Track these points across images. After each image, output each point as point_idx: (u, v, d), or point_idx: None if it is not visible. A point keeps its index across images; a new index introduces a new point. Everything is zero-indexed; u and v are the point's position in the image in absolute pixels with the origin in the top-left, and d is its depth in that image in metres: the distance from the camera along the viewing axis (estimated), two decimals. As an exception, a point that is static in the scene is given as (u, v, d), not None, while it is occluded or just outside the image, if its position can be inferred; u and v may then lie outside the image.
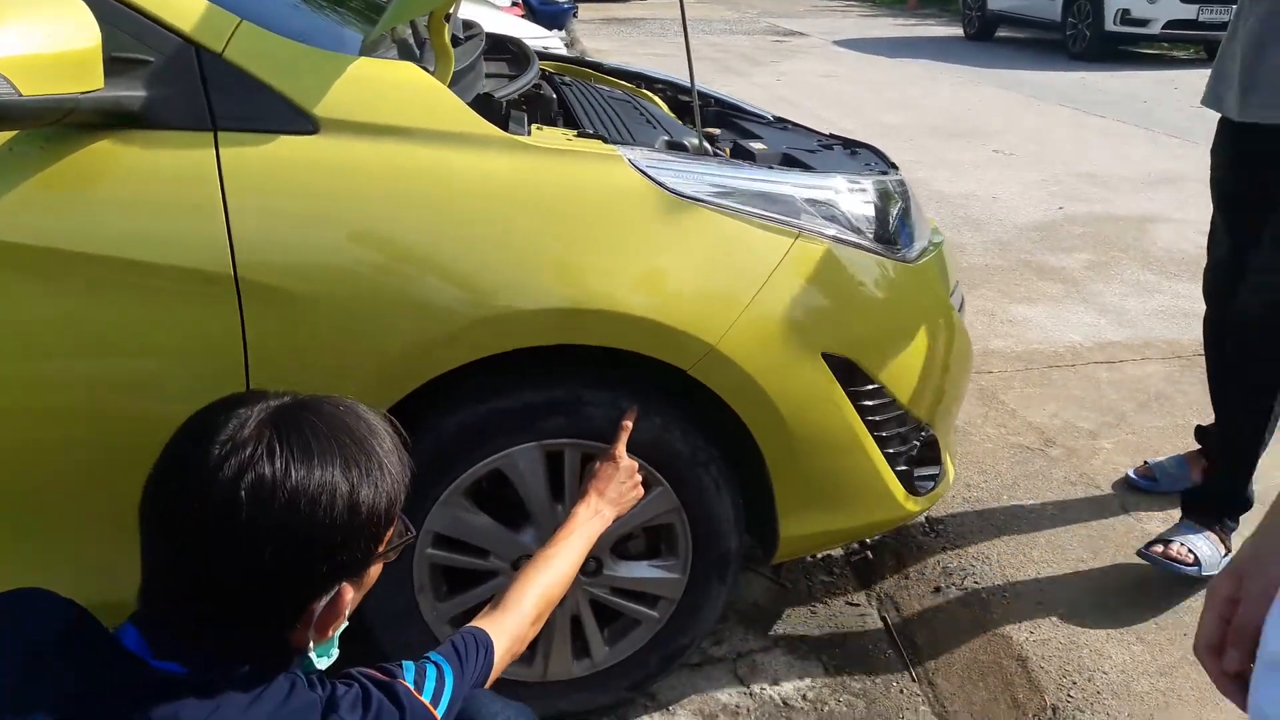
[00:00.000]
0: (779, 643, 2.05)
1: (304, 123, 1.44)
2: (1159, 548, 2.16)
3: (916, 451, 1.90)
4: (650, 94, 2.76)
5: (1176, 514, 2.41)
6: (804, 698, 1.90)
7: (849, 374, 1.73)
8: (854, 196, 1.76)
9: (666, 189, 1.59)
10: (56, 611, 0.85)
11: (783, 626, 2.11)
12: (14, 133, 1.37)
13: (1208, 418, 2.40)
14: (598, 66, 2.95)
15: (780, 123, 2.58)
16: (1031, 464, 2.71)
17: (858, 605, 2.17)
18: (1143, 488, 2.56)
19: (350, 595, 0.94)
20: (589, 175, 1.57)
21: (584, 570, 1.72)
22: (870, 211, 1.77)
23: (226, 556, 0.83)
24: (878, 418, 1.79)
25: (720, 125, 2.52)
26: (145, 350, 1.43)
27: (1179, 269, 4.42)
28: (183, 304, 1.41)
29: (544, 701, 1.80)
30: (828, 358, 1.70)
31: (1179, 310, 3.94)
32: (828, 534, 1.86)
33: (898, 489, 1.86)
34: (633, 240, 1.57)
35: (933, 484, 1.96)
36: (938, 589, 2.18)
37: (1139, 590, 2.17)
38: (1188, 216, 5.12)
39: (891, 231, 1.80)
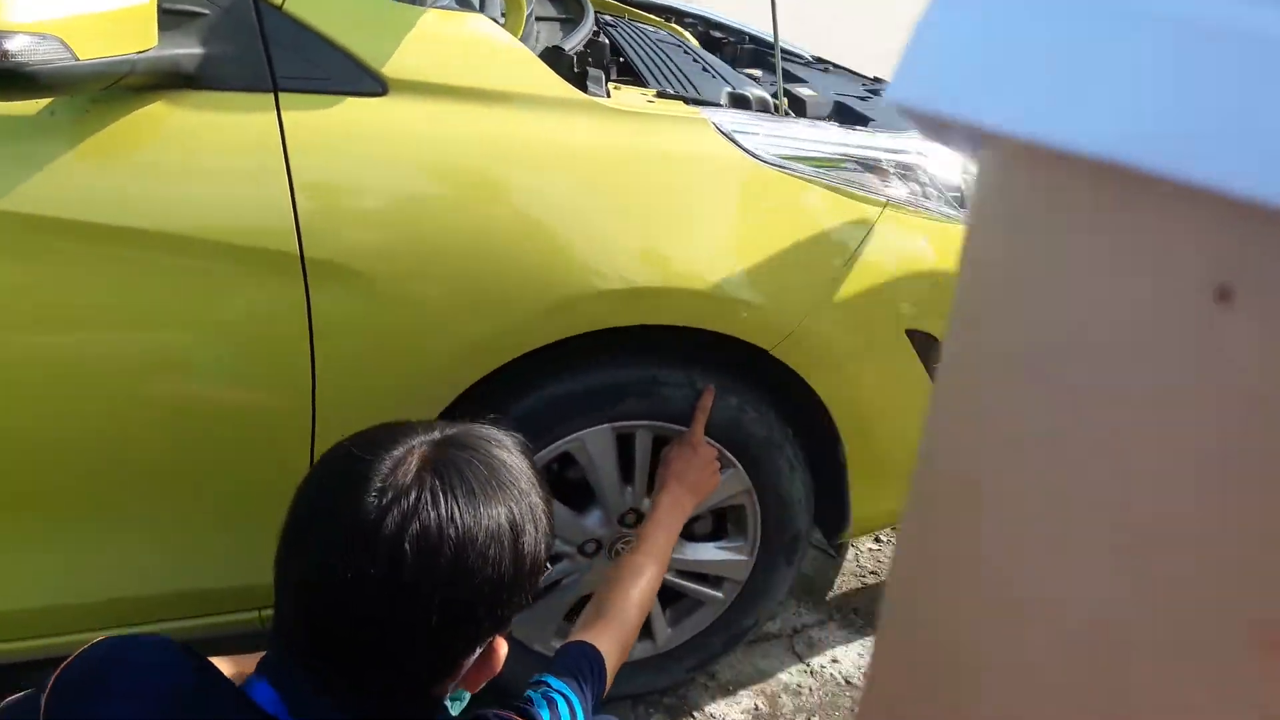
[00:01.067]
0: (833, 616, 2.01)
1: (372, 84, 1.32)
2: None
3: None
4: (681, 29, 2.63)
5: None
6: (865, 675, 1.87)
7: (927, 350, 1.65)
8: (941, 163, 1.66)
9: (753, 156, 1.49)
10: (183, 664, 0.76)
11: (836, 599, 2.07)
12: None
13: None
14: (625, -1, 2.80)
15: (820, 63, 2.47)
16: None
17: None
18: None
19: (504, 649, 0.86)
20: (674, 142, 1.46)
21: (650, 552, 1.66)
22: (955, 178, 1.68)
23: (385, 615, 0.75)
24: (953, 395, 1.73)
25: (757, 65, 2.40)
26: (201, 332, 1.32)
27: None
28: (244, 282, 1.29)
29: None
30: (910, 334, 1.63)
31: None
32: (896, 512, 1.81)
33: (967, 467, 1.80)
34: (718, 213, 1.47)
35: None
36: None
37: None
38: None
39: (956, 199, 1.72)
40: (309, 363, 1.33)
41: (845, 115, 1.86)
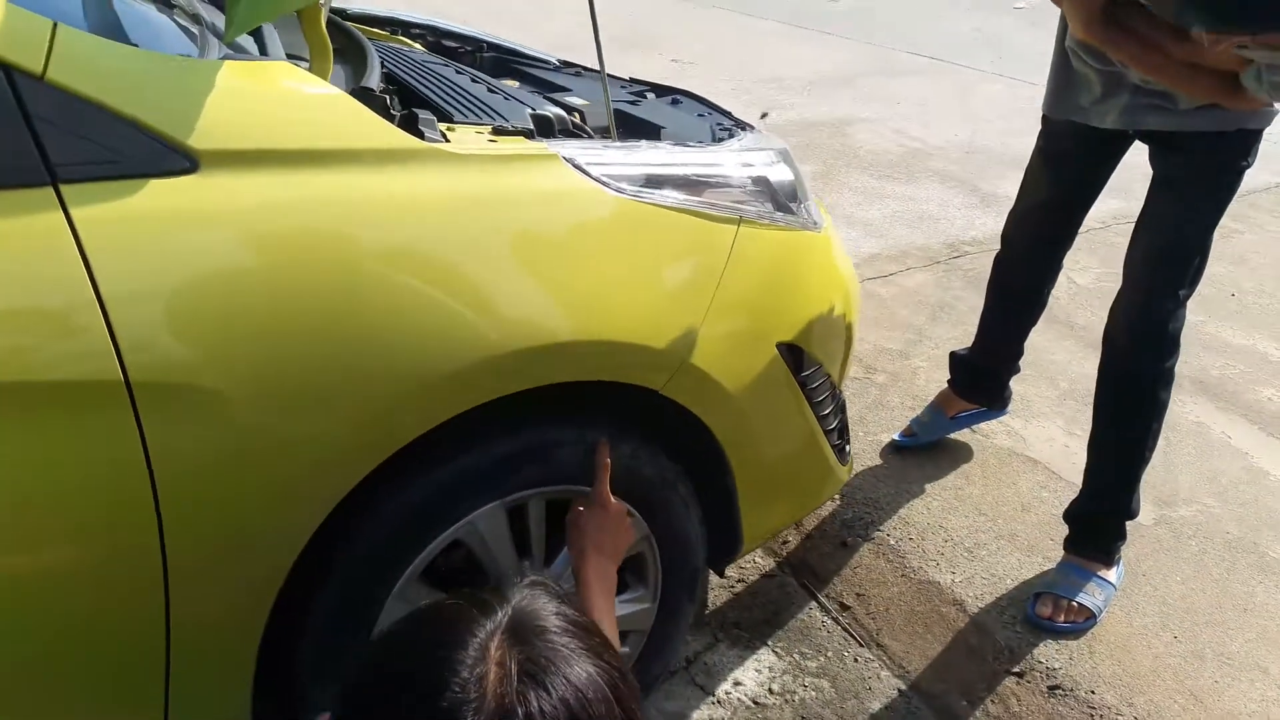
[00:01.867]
0: (719, 636, 1.96)
1: (178, 159, 1.08)
2: (1047, 609, 1.93)
3: (840, 421, 1.84)
4: (409, 41, 2.44)
5: (1013, 420, 2.56)
6: (770, 691, 1.83)
7: (796, 360, 1.62)
8: (778, 167, 1.62)
9: (607, 187, 1.37)
10: None
11: (713, 616, 2.01)
12: None
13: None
14: (343, 14, 2.56)
15: (569, 67, 2.37)
16: (866, 395, 2.78)
17: (774, 577, 2.12)
18: (908, 446, 2.49)
19: None
20: (529, 184, 1.32)
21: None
22: (789, 181, 1.65)
23: None
24: (818, 398, 1.71)
25: (505, 75, 2.27)
26: (14, 494, 1.04)
27: (891, 170, 4.70)
28: (59, 425, 1.03)
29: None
30: (780, 348, 1.59)
31: (914, 214, 4.19)
32: (783, 523, 1.77)
33: (835, 463, 1.80)
34: (587, 255, 1.35)
35: (848, 446, 1.92)
36: (844, 543, 2.17)
37: (1024, 510, 2.28)
38: (875, 114, 5.47)
39: (802, 201, 1.70)
40: (153, 505, 1.08)
41: (631, 125, 1.79)
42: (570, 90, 2.00)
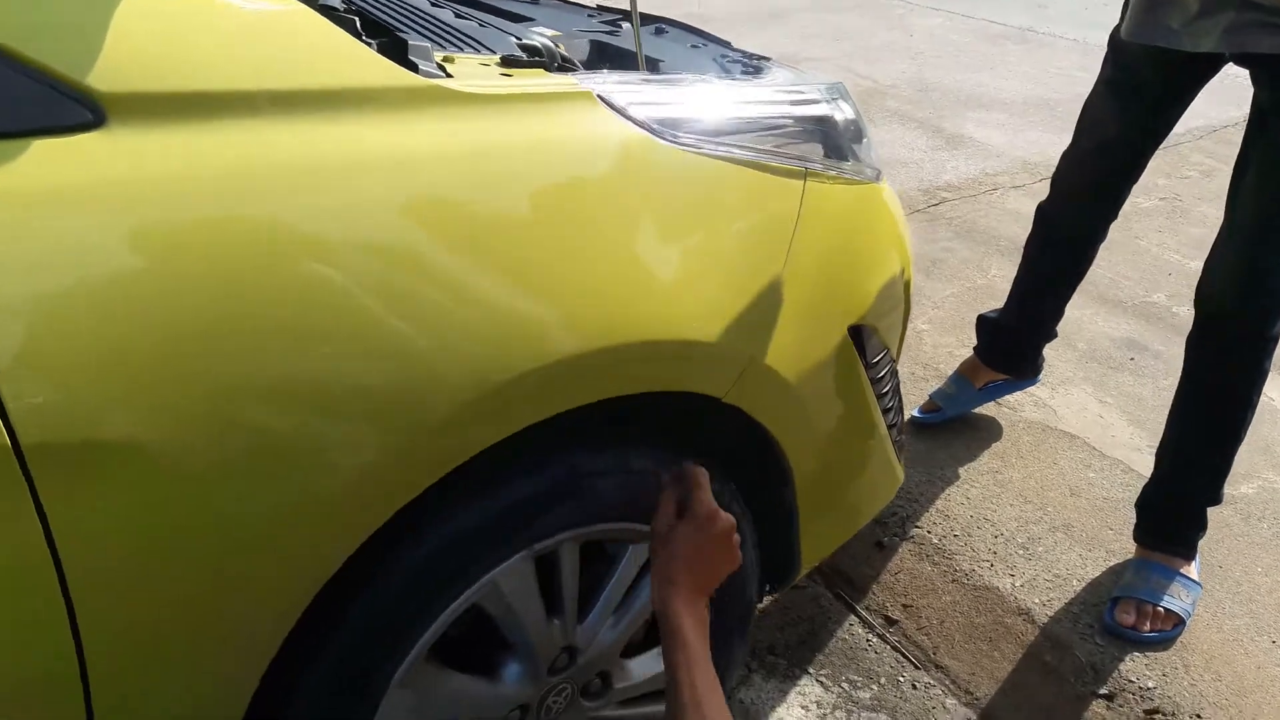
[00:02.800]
0: (752, 666, 1.67)
1: (72, 110, 0.73)
2: (1129, 616, 1.68)
3: (898, 411, 1.56)
4: None
5: (1038, 389, 2.31)
6: (822, 731, 1.56)
7: (861, 344, 1.33)
8: (840, 105, 1.31)
9: (654, 134, 1.05)
10: None
11: (743, 642, 1.73)
12: None
13: (985, 276, 2.23)
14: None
15: None
16: (872, 365, 2.50)
17: (805, 589, 1.84)
18: (932, 423, 2.23)
19: None
20: (563, 132, 0.99)
21: (586, 692, 1.22)
22: (853, 120, 1.34)
23: None
24: (884, 389, 1.43)
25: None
26: None
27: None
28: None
29: None
30: (850, 331, 1.29)
31: (886, 158, 3.92)
32: (844, 537, 1.49)
33: (897, 463, 1.52)
34: (634, 225, 1.02)
35: (902, 439, 1.64)
36: (880, 544, 1.90)
37: (1073, 494, 2.04)
38: (824, 54, 5.19)
39: (867, 144, 1.39)
40: (63, 610, 0.74)
41: (614, 60, 1.46)
42: (534, 21, 1.65)
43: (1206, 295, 1.66)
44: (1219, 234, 1.64)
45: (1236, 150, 1.66)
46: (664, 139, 1.06)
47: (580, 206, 0.98)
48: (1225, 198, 1.66)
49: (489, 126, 0.94)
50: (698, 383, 1.09)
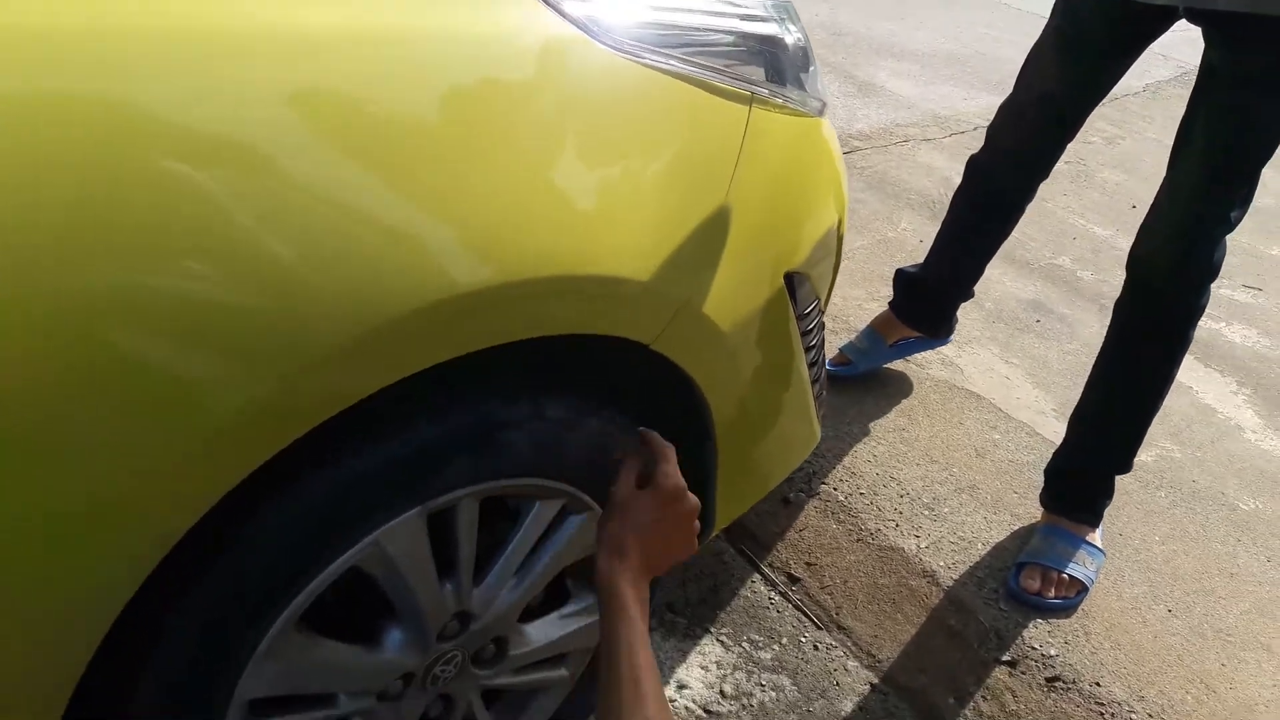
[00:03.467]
0: (652, 625, 1.57)
1: None
2: (1034, 583, 1.66)
3: (820, 365, 1.47)
4: None
5: (945, 348, 2.27)
6: (722, 695, 1.48)
7: (793, 292, 1.23)
8: (789, 27, 1.19)
9: (594, 38, 0.91)
10: None
11: (641, 599, 1.64)
12: None
13: (895, 229, 2.15)
14: None
15: None
16: (780, 313, 2.42)
17: (706, 543, 1.76)
18: (842, 376, 2.15)
19: None
20: (479, 20, 0.84)
21: (479, 659, 1.11)
22: (801, 43, 1.22)
23: None
24: (812, 342, 1.34)
25: None
26: None
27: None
28: None
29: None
30: (786, 279, 1.19)
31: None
32: (758, 496, 1.40)
33: (816, 419, 1.44)
34: (569, 141, 0.89)
35: (823, 395, 1.55)
36: (786, 500, 1.83)
37: (979, 455, 2.00)
38: None
39: (813, 72, 1.27)
40: None
41: None
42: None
43: (1141, 258, 1.61)
44: (1158, 196, 1.60)
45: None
46: (600, 42, 0.92)
47: (498, 113, 0.84)
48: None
49: (395, 7, 0.78)
50: (624, 326, 0.97)
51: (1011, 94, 1.86)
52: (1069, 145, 1.88)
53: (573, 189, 0.89)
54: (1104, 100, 1.84)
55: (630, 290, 0.93)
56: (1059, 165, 1.94)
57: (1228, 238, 1.56)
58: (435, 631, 1.02)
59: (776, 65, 1.16)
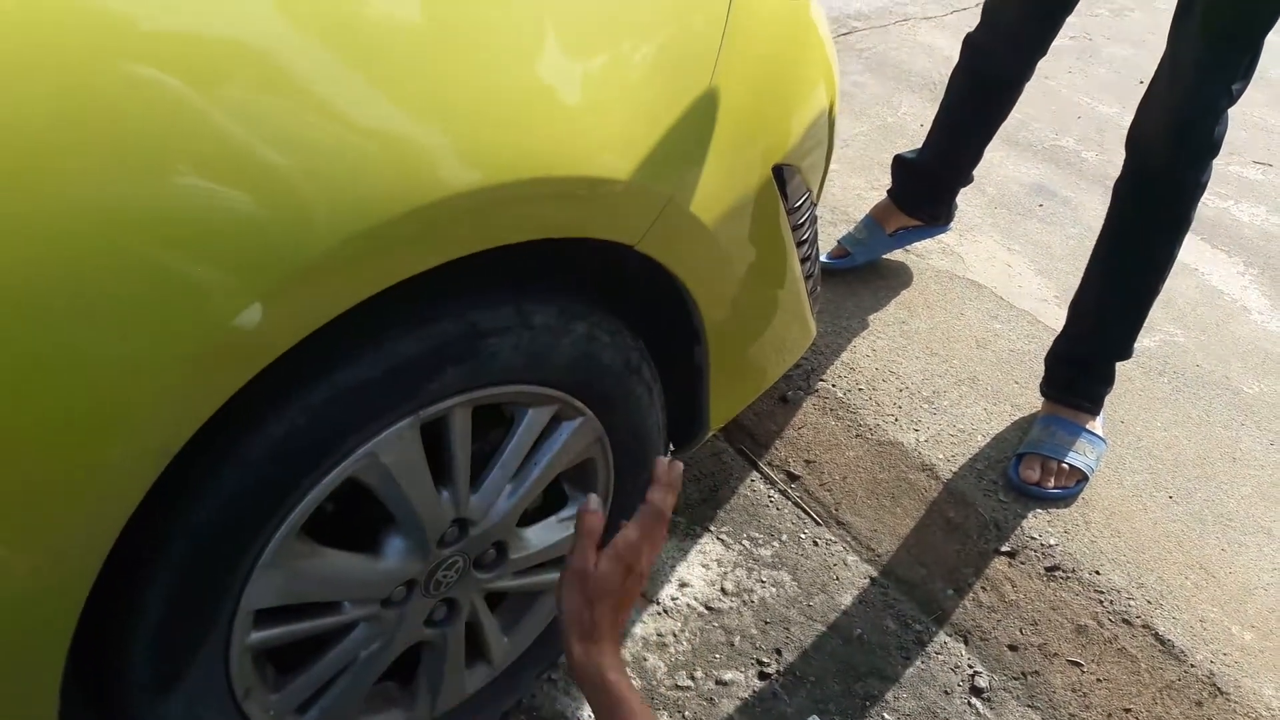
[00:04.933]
0: (652, 524, 1.60)
1: None
2: (1033, 473, 1.66)
3: (814, 260, 1.45)
4: None
5: (946, 236, 2.24)
6: (723, 592, 1.50)
7: (782, 185, 1.20)
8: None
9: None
10: None
11: (643, 499, 1.65)
12: None
13: (895, 114, 2.09)
14: None
15: None
16: (778, 208, 2.39)
17: (705, 443, 1.76)
18: (841, 269, 2.14)
19: None
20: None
21: (480, 564, 1.12)
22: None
23: None
24: (803, 236, 1.31)
25: None
26: None
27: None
28: None
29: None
30: (774, 171, 1.16)
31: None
32: (753, 396, 1.39)
33: (810, 315, 1.42)
34: (543, 32, 0.85)
35: (817, 290, 1.53)
36: (784, 398, 1.83)
37: (979, 346, 1.99)
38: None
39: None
40: None
41: None
42: None
43: (1140, 137, 1.57)
44: (1157, 74, 1.54)
45: None
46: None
47: (478, 12, 0.81)
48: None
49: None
50: (608, 228, 0.94)
51: None
52: (1071, 20, 1.82)
53: (552, 87, 0.86)
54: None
55: (612, 189, 0.90)
56: (1063, 41, 1.88)
57: (1233, 112, 1.51)
58: (435, 538, 1.02)
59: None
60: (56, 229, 0.62)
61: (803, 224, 1.29)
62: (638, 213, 0.95)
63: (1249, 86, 1.50)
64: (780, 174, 1.17)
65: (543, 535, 1.17)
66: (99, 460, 0.70)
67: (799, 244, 1.29)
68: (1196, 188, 1.55)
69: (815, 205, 1.37)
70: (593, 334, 1.03)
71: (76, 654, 0.80)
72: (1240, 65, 1.46)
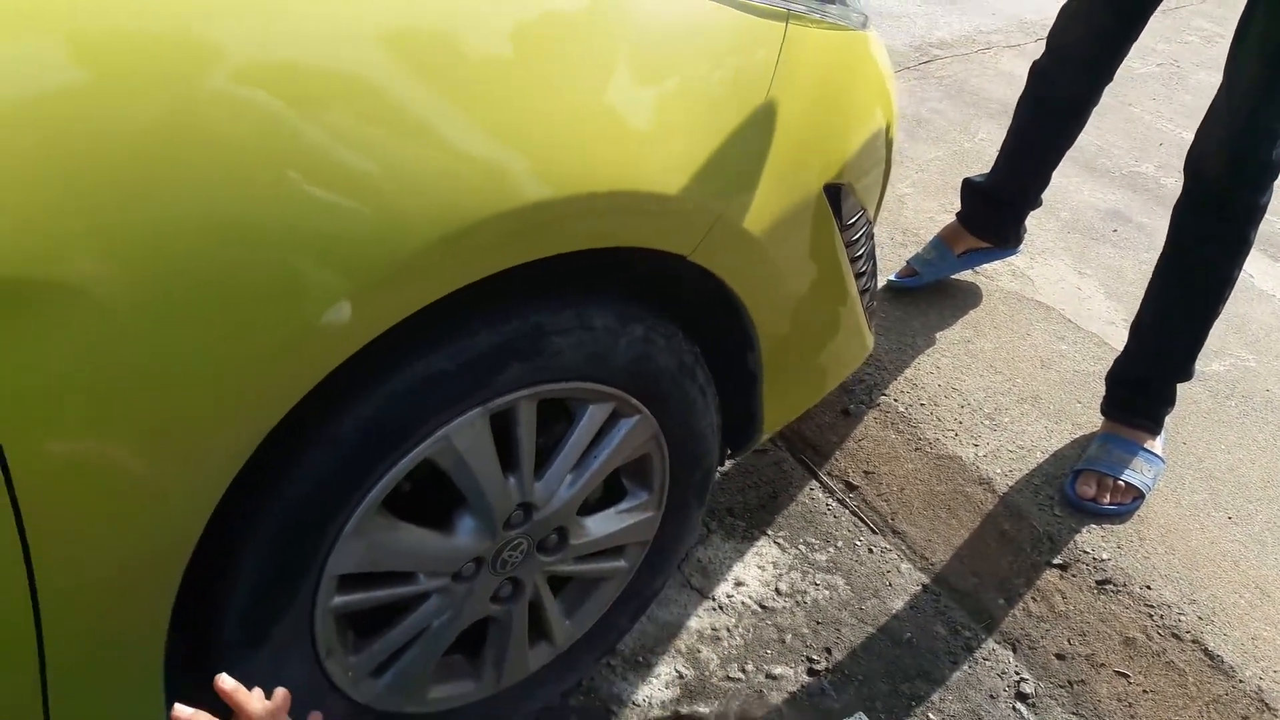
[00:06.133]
0: (711, 527, 1.68)
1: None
2: (1089, 489, 1.69)
3: (871, 276, 1.52)
4: None
5: (1017, 259, 2.27)
6: (777, 592, 1.57)
7: (836, 204, 1.28)
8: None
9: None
10: None
11: (705, 502, 1.73)
12: None
13: (972, 140, 2.13)
14: None
15: None
16: (850, 229, 2.45)
17: (767, 452, 1.83)
18: (909, 288, 2.19)
19: None
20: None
21: (543, 547, 1.21)
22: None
23: None
24: (858, 252, 1.38)
25: None
26: None
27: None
28: None
29: (494, 715, 1.33)
30: (826, 190, 1.24)
31: (870, 10, 3.74)
32: (809, 403, 1.47)
33: (867, 329, 1.49)
34: (612, 67, 0.96)
35: (873, 304, 1.60)
36: (846, 411, 1.89)
37: (1044, 366, 2.02)
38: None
39: (852, -9, 1.30)
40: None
41: None
42: None
43: (1197, 158, 1.60)
44: (1216, 96, 1.58)
45: (1239, 15, 1.58)
46: (637, -30, 0.97)
47: (556, 46, 0.91)
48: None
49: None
50: (663, 239, 1.04)
51: None
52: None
53: (617, 113, 0.96)
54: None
55: (667, 205, 1.00)
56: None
57: None
58: (502, 520, 1.12)
59: (817, -20, 1.19)
60: (194, 237, 0.75)
61: (857, 240, 1.37)
62: (690, 226, 1.04)
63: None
64: (836, 193, 1.25)
65: (602, 524, 1.26)
66: (214, 440, 0.82)
67: (853, 259, 1.36)
68: (1255, 210, 1.57)
69: (872, 223, 1.44)
70: (649, 337, 1.12)
71: (175, 614, 0.91)
72: None
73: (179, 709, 0.77)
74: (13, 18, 0.68)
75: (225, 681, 0.80)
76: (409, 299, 0.87)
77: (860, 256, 1.39)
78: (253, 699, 0.80)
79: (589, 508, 1.26)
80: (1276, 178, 1.56)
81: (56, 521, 0.77)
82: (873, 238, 1.45)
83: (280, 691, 0.82)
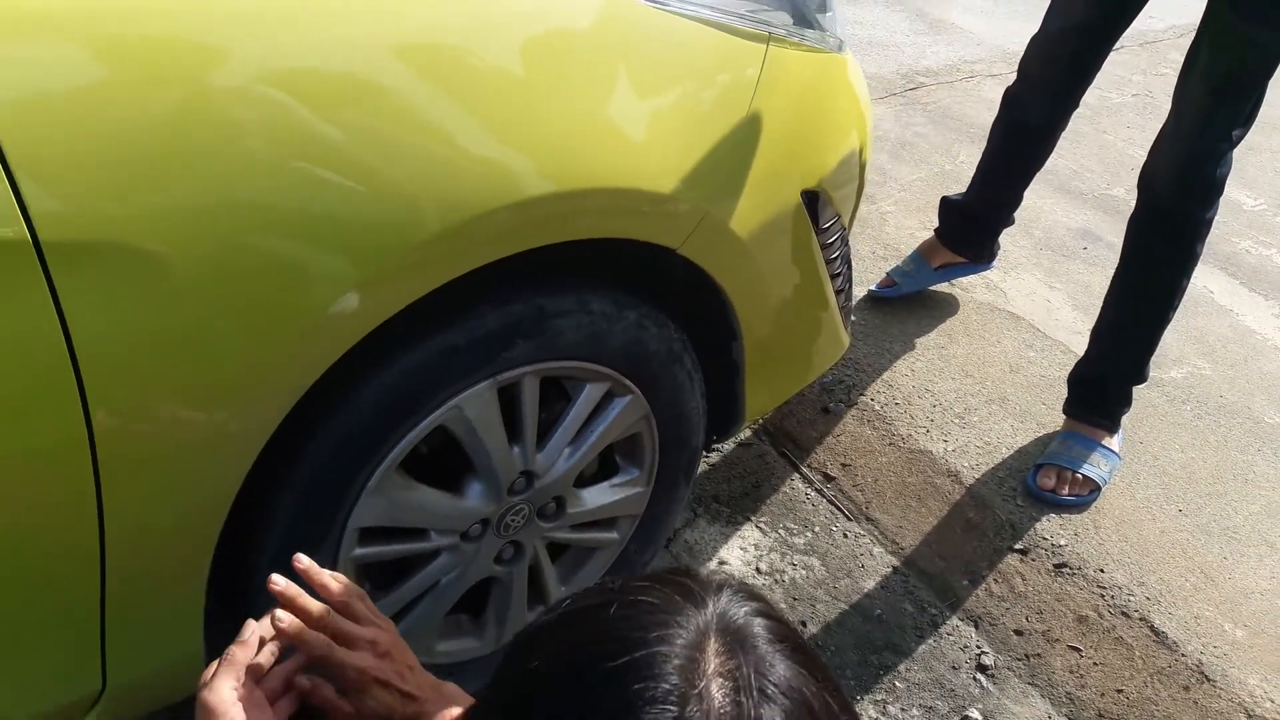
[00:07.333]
0: (698, 511, 1.80)
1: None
2: (1049, 481, 1.83)
3: (846, 279, 1.65)
4: None
5: (991, 272, 2.40)
6: (758, 570, 1.69)
7: (813, 210, 1.41)
8: (810, -29, 1.36)
9: (636, -3, 1.11)
10: None
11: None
12: None
13: (953, 162, 2.26)
14: None
15: None
16: (835, 243, 2.58)
17: (751, 446, 1.96)
18: (888, 298, 2.33)
19: None
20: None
21: (542, 514, 1.33)
22: (821, -8, 1.38)
23: None
24: (833, 255, 1.51)
25: None
26: None
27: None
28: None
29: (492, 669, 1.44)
30: (804, 196, 1.37)
31: (862, 40, 3.90)
32: (787, 395, 1.59)
33: (842, 328, 1.62)
34: (610, 79, 1.09)
35: (850, 305, 1.73)
36: (825, 409, 2.02)
37: (1012, 371, 2.15)
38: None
39: (830, 12, 1.44)
40: (79, 399, 0.83)
41: None
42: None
43: (1150, 176, 1.74)
44: (1166, 121, 1.72)
45: None
46: (634, -5, 1.11)
47: (557, 58, 1.04)
48: None
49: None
50: (655, 233, 1.17)
51: (1040, 27, 1.98)
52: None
53: (613, 120, 1.09)
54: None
55: (658, 202, 1.13)
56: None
57: (1238, 155, 1.68)
58: (506, 485, 1.24)
59: (796, 8, 1.33)
60: (252, 224, 0.87)
61: (833, 243, 1.50)
62: (679, 222, 1.17)
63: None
64: (814, 199, 1.38)
65: (596, 496, 1.39)
66: (259, 397, 0.94)
67: (829, 261, 1.49)
68: (1202, 224, 1.71)
69: (847, 230, 1.57)
70: (642, 323, 1.25)
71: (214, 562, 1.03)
72: (1241, 114, 1.63)
73: (275, 579, 0.79)
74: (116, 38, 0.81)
75: (300, 562, 0.81)
76: (426, 279, 0.99)
77: (836, 259, 1.52)
78: (327, 576, 0.84)
79: (585, 480, 1.39)
80: (1221, 194, 1.70)
81: (126, 467, 0.89)
82: (848, 244, 1.58)
83: (342, 578, 0.85)
